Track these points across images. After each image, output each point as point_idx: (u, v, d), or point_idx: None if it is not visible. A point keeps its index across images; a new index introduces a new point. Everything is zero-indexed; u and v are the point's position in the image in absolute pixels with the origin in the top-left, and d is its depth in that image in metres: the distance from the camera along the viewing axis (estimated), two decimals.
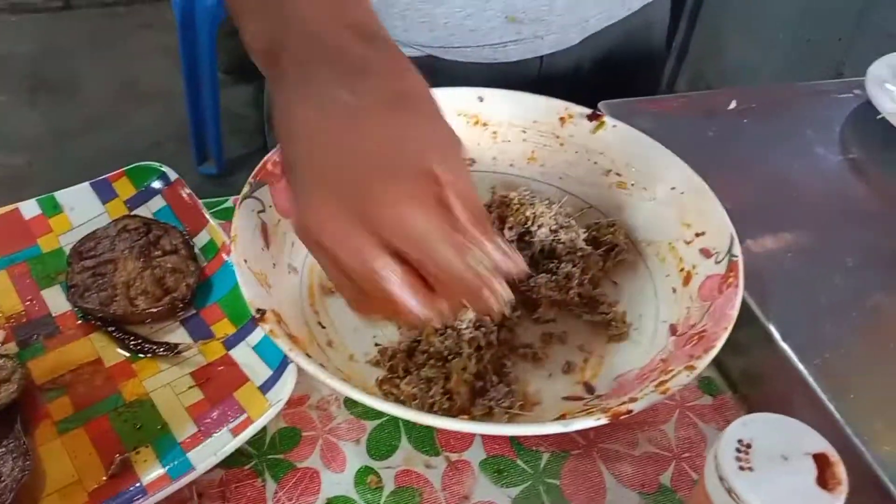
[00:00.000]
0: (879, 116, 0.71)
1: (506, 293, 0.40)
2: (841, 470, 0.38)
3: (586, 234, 0.61)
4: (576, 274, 0.57)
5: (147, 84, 2.48)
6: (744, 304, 0.54)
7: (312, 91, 0.40)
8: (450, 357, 0.52)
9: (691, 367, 0.46)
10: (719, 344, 0.48)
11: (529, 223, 0.60)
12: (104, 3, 2.86)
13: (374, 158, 0.38)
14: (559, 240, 0.59)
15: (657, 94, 0.84)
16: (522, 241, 0.61)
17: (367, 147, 0.38)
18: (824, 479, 0.38)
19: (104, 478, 0.48)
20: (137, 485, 0.47)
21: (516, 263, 0.41)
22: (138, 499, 0.45)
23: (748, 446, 0.39)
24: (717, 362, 0.58)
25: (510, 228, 0.61)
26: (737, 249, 0.54)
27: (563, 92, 0.66)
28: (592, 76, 0.80)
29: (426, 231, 0.37)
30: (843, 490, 0.38)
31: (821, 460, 0.39)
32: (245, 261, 0.52)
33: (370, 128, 0.39)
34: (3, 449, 0.48)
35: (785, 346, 0.53)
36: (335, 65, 0.40)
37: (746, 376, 0.56)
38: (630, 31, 0.80)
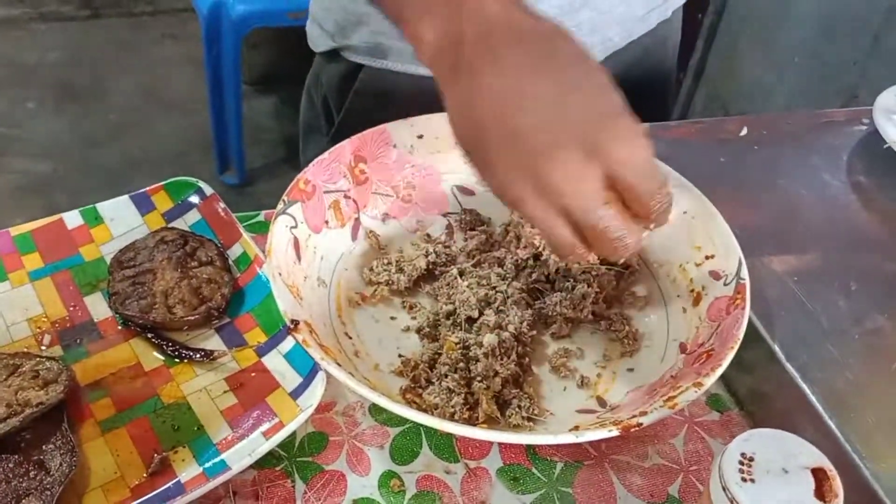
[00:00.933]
0: (886, 146, 0.74)
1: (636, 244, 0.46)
2: (837, 484, 0.41)
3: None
4: (590, 294, 0.60)
5: (171, 93, 2.53)
6: (751, 324, 0.56)
7: (509, 63, 0.44)
8: (471, 370, 0.55)
9: (699, 384, 0.49)
10: (726, 362, 0.50)
11: (543, 245, 0.63)
12: (131, 13, 2.92)
13: (552, 127, 0.43)
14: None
15: (673, 107, 0.88)
16: (538, 260, 0.64)
17: (549, 116, 0.43)
18: (821, 491, 0.41)
19: (144, 475, 0.51)
20: (176, 481, 0.50)
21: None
22: (176, 496, 0.48)
23: (751, 459, 0.42)
24: (724, 380, 0.61)
25: (524, 248, 0.64)
26: (744, 272, 0.56)
27: None
28: None
29: (651, 163, 0.44)
30: (838, 503, 0.40)
31: (818, 474, 0.41)
32: (279, 273, 0.55)
33: (553, 97, 0.43)
34: (52, 445, 0.51)
35: (789, 365, 0.55)
36: (522, 43, 0.44)
37: (752, 394, 0.59)
38: (647, 47, 0.84)
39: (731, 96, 2.01)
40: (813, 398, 0.53)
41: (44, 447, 0.51)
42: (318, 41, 0.83)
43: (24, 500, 0.48)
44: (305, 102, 0.92)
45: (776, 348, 0.56)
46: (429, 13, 0.46)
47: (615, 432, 0.46)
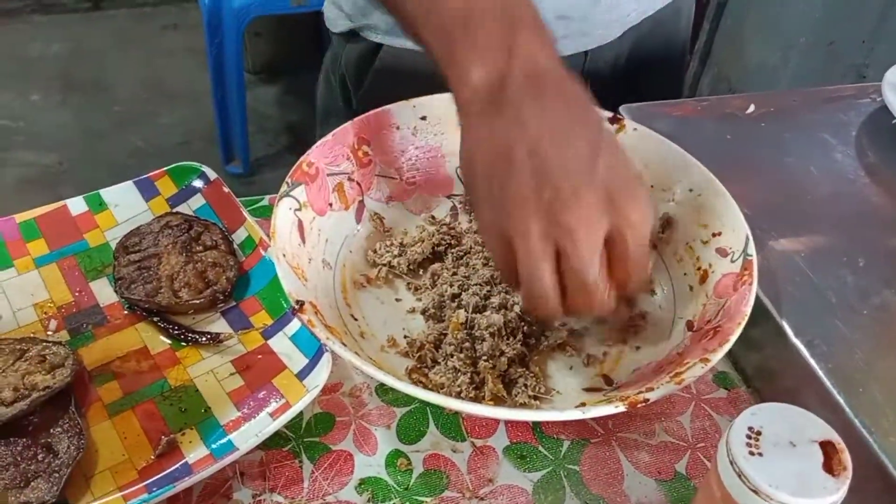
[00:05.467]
0: (894, 121, 0.73)
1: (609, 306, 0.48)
2: (846, 457, 0.41)
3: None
4: None
5: (174, 84, 2.53)
6: (758, 301, 0.56)
7: (554, 107, 0.46)
8: (476, 349, 0.55)
9: (706, 360, 0.49)
10: (733, 338, 0.50)
11: None
12: (133, 3, 2.92)
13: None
14: None
15: (684, 79, 0.88)
16: None
17: (579, 163, 0.45)
18: (830, 465, 0.40)
19: (152, 457, 0.51)
20: (184, 463, 0.50)
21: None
22: (185, 477, 0.48)
23: (758, 433, 0.42)
24: (731, 357, 0.60)
25: None
26: (751, 249, 0.56)
27: (606, 83, 0.70)
28: (630, 66, 0.84)
29: (588, 248, 0.45)
30: (847, 476, 0.40)
31: (827, 447, 0.41)
32: (284, 255, 0.55)
33: (584, 147, 0.45)
34: (60, 429, 0.51)
35: (797, 342, 0.55)
36: (565, 93, 0.47)
37: (760, 371, 0.59)
38: (660, 18, 0.83)
39: (738, 78, 2.00)
40: (821, 374, 0.53)
41: (51, 430, 0.51)
42: (337, 22, 0.83)
43: (32, 483, 0.48)
44: (323, 87, 0.92)
45: (784, 324, 0.56)
46: (482, 56, 0.48)
47: (622, 408, 0.46)
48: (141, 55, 2.67)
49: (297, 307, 0.51)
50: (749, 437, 0.42)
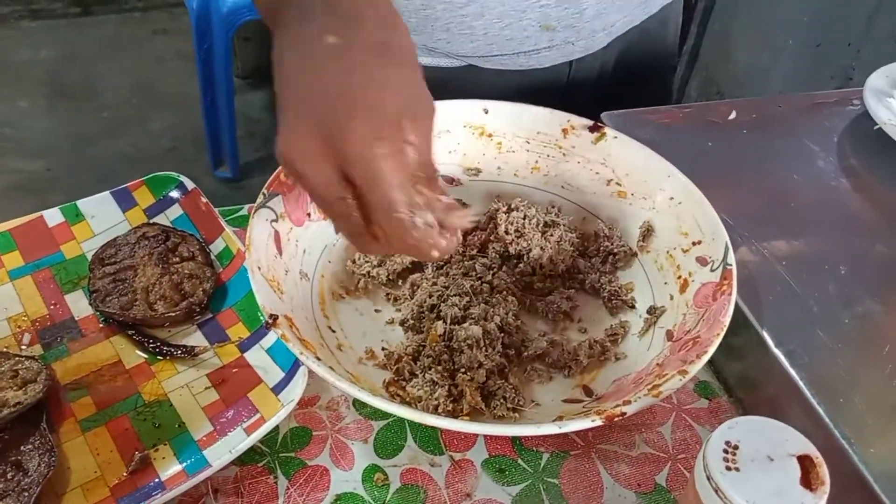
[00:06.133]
0: (876, 127, 0.73)
1: (450, 245, 0.44)
2: (824, 471, 0.40)
3: (574, 233, 0.64)
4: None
5: (163, 89, 2.52)
6: (739, 311, 0.56)
7: (305, 32, 0.43)
8: (455, 361, 0.54)
9: (684, 372, 0.48)
10: (711, 349, 0.50)
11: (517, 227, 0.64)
12: (121, 9, 2.90)
13: (353, 96, 0.40)
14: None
15: (671, 86, 0.87)
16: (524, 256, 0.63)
17: (349, 83, 0.41)
18: (808, 479, 0.40)
19: (125, 473, 0.50)
20: (156, 480, 0.50)
21: (459, 217, 0.44)
22: (157, 494, 0.48)
23: (735, 448, 0.41)
24: (712, 367, 0.60)
25: (498, 241, 0.64)
26: (731, 258, 0.56)
27: (591, 92, 0.69)
28: (616, 75, 0.84)
29: (382, 172, 0.40)
30: (825, 490, 0.40)
31: (805, 461, 0.41)
32: (259, 268, 0.54)
33: (354, 67, 0.41)
34: (30, 446, 0.50)
35: (778, 352, 0.54)
36: (330, 13, 0.43)
37: (741, 381, 0.58)
38: (647, 28, 0.83)
39: (726, 81, 2.00)
40: (802, 384, 0.52)
41: (22, 447, 0.50)
42: None
43: (1, 502, 0.47)
44: None
45: (765, 334, 0.55)
46: None
47: (598, 422, 0.46)
48: (130, 61, 2.66)
49: (270, 321, 0.50)
50: (726, 451, 0.41)
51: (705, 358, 0.49)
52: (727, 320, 0.51)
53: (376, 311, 0.62)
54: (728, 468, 0.40)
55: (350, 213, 0.42)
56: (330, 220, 0.45)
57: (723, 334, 0.50)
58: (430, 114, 0.43)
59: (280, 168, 0.61)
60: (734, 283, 0.54)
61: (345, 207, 0.42)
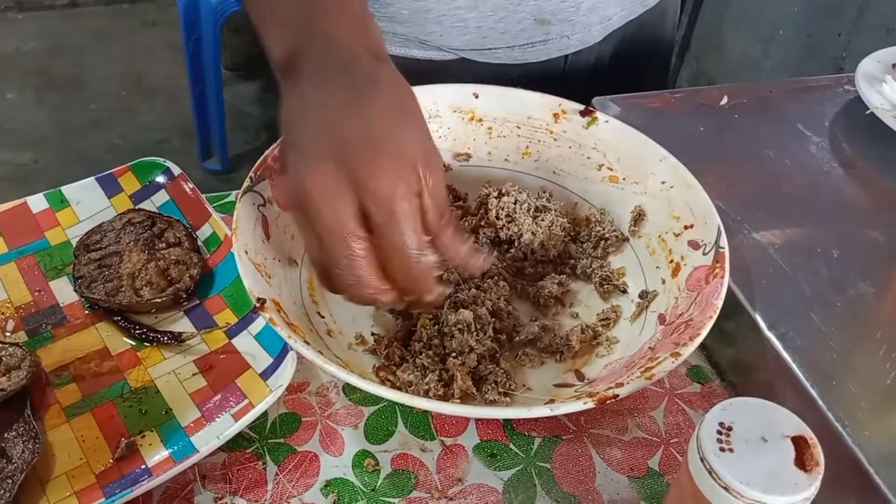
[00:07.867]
0: (868, 112, 0.72)
1: (441, 292, 0.49)
2: (818, 452, 0.40)
3: (566, 218, 0.64)
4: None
5: (152, 81, 2.50)
6: (732, 294, 0.55)
7: (324, 87, 0.46)
8: (445, 346, 0.54)
9: (677, 354, 0.48)
10: (704, 332, 0.49)
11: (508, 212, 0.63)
12: (110, 0, 2.88)
13: (378, 141, 0.45)
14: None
15: (668, 79, 0.87)
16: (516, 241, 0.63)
17: (373, 131, 0.45)
18: (802, 460, 0.40)
19: (111, 460, 0.49)
20: (143, 467, 0.49)
21: (476, 260, 0.50)
22: (143, 480, 0.47)
23: (729, 429, 0.41)
24: (705, 351, 0.60)
25: (489, 226, 0.63)
26: (723, 241, 0.55)
27: (585, 86, 0.70)
28: (612, 68, 0.83)
29: (404, 209, 0.44)
30: (819, 471, 0.39)
31: (799, 443, 0.40)
32: (246, 252, 0.53)
33: (375, 119, 0.45)
34: (14, 433, 0.49)
35: (770, 335, 0.54)
36: (351, 71, 0.47)
37: (734, 365, 0.58)
38: (644, 21, 0.82)
39: (717, 71, 2.00)
40: (795, 367, 0.52)
41: (5, 435, 0.49)
42: None
43: None
44: None
45: (757, 318, 0.55)
46: (279, 29, 0.50)
47: (591, 404, 0.45)
48: (118, 52, 2.63)
49: (258, 305, 0.50)
50: (720, 432, 0.41)
51: (698, 340, 0.49)
52: (720, 303, 0.51)
53: None
54: (722, 449, 0.40)
55: (352, 254, 0.45)
56: (309, 257, 0.48)
57: (715, 317, 0.50)
58: (441, 166, 0.48)
59: (268, 152, 0.60)
60: (727, 265, 0.53)
61: (347, 248, 0.45)
